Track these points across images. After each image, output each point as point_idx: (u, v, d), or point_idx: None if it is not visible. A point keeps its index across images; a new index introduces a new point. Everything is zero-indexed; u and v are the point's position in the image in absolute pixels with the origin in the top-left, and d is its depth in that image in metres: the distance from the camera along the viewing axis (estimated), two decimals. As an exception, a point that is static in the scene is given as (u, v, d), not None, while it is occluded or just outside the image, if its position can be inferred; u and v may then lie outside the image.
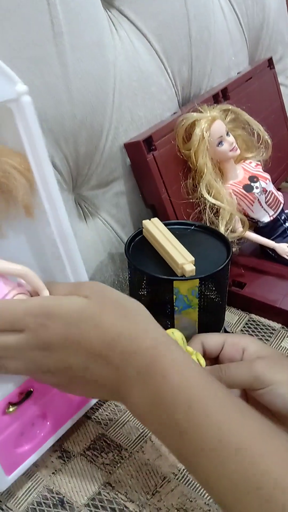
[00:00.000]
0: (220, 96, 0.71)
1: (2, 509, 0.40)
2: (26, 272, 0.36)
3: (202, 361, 0.40)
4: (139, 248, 0.54)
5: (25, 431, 0.40)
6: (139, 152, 0.58)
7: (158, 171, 0.59)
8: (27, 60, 0.47)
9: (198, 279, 0.48)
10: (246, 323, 0.60)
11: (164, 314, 0.51)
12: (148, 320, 0.36)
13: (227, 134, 0.61)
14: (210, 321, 0.54)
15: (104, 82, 0.56)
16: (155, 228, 0.54)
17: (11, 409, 0.38)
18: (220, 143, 0.60)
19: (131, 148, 0.59)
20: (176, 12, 0.66)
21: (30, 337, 0.33)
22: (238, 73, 0.81)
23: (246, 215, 0.63)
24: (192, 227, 0.57)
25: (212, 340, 0.43)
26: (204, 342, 0.43)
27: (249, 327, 0.60)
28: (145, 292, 0.55)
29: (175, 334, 0.42)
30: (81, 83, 0.52)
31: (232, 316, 0.61)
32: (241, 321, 0.61)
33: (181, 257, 0.49)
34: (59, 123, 0.51)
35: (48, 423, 0.43)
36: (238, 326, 0.60)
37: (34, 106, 0.48)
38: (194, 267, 0.48)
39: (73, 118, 0.52)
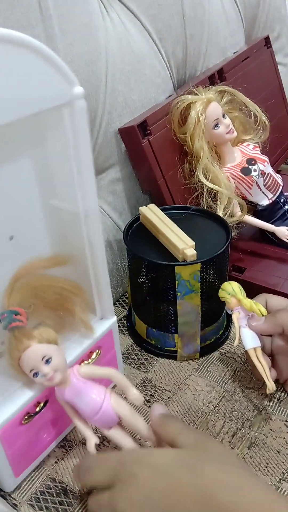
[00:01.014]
0: (216, 77, 0.70)
1: (6, 499, 0.40)
2: (113, 373, 0.40)
3: (263, 310, 0.44)
4: (137, 235, 0.54)
5: (35, 436, 0.41)
6: (134, 138, 0.57)
7: (154, 156, 0.58)
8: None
9: (199, 263, 0.47)
10: (247, 308, 0.60)
11: (167, 300, 0.51)
12: (251, 475, 0.32)
13: (223, 116, 0.60)
14: (212, 306, 0.53)
15: (95, 65, 0.54)
16: (153, 214, 0.53)
17: (27, 420, 0.39)
18: (216, 125, 0.59)
19: (126, 133, 0.58)
20: (168, -10, 0.64)
21: (121, 491, 0.31)
22: (234, 53, 0.79)
23: (245, 199, 0.62)
24: (189, 211, 0.56)
25: (277, 301, 0.47)
26: (268, 301, 0.47)
27: (250, 312, 0.59)
28: (145, 279, 0.55)
29: (232, 284, 0.47)
30: (72, 67, 0.50)
31: (233, 301, 0.61)
32: (242, 305, 0.60)
33: (182, 242, 0.49)
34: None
35: (57, 426, 0.43)
36: (239, 311, 0.59)
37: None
38: (195, 252, 0.48)
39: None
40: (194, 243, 0.48)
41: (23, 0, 0.46)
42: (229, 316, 0.58)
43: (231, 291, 0.47)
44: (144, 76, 0.62)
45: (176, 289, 0.49)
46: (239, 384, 0.50)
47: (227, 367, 0.52)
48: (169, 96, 0.66)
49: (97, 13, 0.55)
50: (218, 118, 0.59)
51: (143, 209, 0.54)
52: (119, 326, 0.60)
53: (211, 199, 0.59)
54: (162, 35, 0.65)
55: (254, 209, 0.64)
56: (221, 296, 0.48)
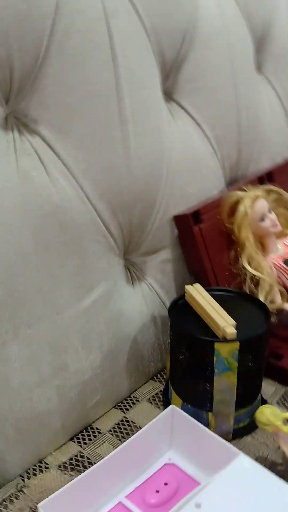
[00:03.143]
0: (265, 178, 0.77)
1: None
2: None
3: None
4: (182, 312, 0.58)
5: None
6: (186, 224, 0.64)
7: (203, 242, 0.64)
8: (97, 142, 0.55)
9: (238, 342, 0.51)
10: (283, 395, 0.61)
11: (204, 377, 0.53)
12: None
13: (269, 211, 0.66)
14: (247, 388, 0.55)
15: (160, 162, 0.63)
16: (197, 293, 0.58)
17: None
18: (262, 219, 0.65)
19: (180, 220, 0.65)
20: (228, 104, 0.74)
21: None
22: (285, 159, 0.88)
23: (286, 288, 0.66)
24: (232, 294, 0.60)
25: None
26: None
27: (285, 400, 0.60)
28: (186, 355, 0.58)
29: (266, 413, 0.46)
30: (140, 163, 0.60)
31: (268, 388, 0.62)
32: (277, 393, 0.61)
33: (223, 320, 0.53)
34: (118, 196, 0.58)
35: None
36: (274, 398, 0.61)
37: (98, 181, 0.56)
38: (235, 330, 0.51)
39: (130, 192, 0.59)
40: (234, 322, 0.52)
41: (107, 106, 0.56)
42: (264, 401, 0.59)
43: (267, 421, 0.48)
44: (201, 174, 0.70)
45: (214, 366, 0.51)
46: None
47: (259, 452, 0.53)
48: (221, 191, 0.74)
49: (165, 120, 0.65)
50: (264, 213, 0.65)
51: (188, 288, 0.59)
52: (154, 399, 0.62)
53: (254, 285, 0.64)
54: (220, 140, 0.74)
55: (294, 299, 0.67)
56: (258, 423, 0.49)
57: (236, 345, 0.50)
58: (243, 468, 0.44)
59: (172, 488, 0.48)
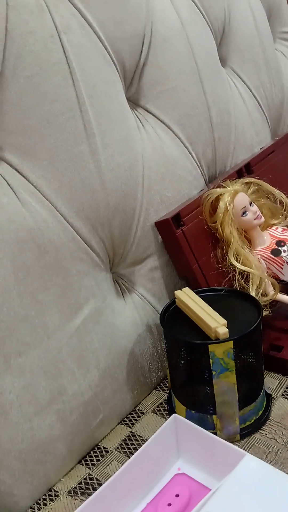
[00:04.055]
0: (244, 171, 0.76)
1: None
2: None
3: None
4: (174, 318, 0.57)
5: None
6: (168, 229, 0.63)
7: (188, 245, 0.64)
8: (65, 160, 0.55)
9: (232, 341, 0.50)
10: (288, 388, 0.60)
11: (203, 380, 0.53)
12: None
13: (251, 204, 0.65)
14: (249, 385, 0.54)
15: (133, 171, 0.62)
16: (187, 297, 0.57)
17: None
18: (244, 213, 0.64)
19: (161, 226, 0.64)
20: (195, 102, 0.74)
21: None
22: (260, 149, 0.87)
23: (277, 278, 0.65)
24: (222, 292, 0.59)
25: None
26: None
27: (291, 391, 0.59)
28: (183, 361, 0.57)
29: None
30: (113, 174, 0.59)
31: (272, 381, 0.61)
32: (281, 385, 0.60)
33: (214, 321, 0.52)
34: (95, 211, 0.57)
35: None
36: (279, 391, 0.60)
37: (72, 199, 0.55)
38: (227, 330, 0.51)
39: (107, 205, 0.59)
40: (226, 321, 0.51)
41: (70, 122, 0.55)
42: (268, 396, 0.58)
43: None
44: (177, 176, 0.69)
45: (211, 368, 0.51)
46: (282, 466, 0.49)
47: (269, 448, 0.52)
48: (201, 191, 0.73)
49: (134, 127, 0.65)
50: (245, 206, 0.65)
51: (178, 293, 0.58)
52: (159, 410, 0.61)
53: (244, 280, 0.63)
54: (192, 140, 0.73)
55: (287, 288, 0.67)
56: None
57: (230, 344, 0.50)
58: (250, 469, 0.43)
59: (184, 499, 0.47)
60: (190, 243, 0.64)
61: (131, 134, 0.63)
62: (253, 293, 0.61)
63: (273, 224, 0.70)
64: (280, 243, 0.66)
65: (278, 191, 0.70)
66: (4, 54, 0.50)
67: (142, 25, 0.65)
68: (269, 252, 0.65)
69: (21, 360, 0.50)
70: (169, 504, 0.47)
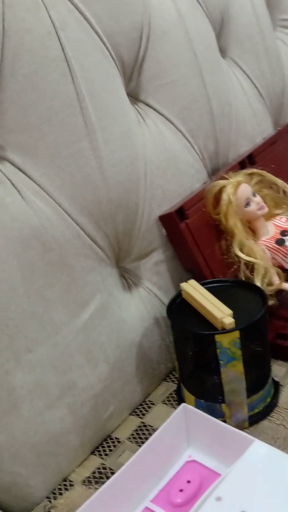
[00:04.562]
0: (247, 162, 0.76)
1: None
2: None
3: None
4: (180, 310, 0.58)
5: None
6: (172, 222, 0.64)
7: (192, 238, 0.64)
8: (67, 157, 0.55)
9: (238, 331, 0.51)
10: (296, 375, 0.61)
11: (211, 370, 0.53)
12: None
13: (254, 195, 0.66)
14: (257, 373, 0.55)
15: (135, 166, 0.63)
16: (193, 289, 0.58)
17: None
18: (247, 204, 0.65)
19: (165, 220, 0.65)
20: (196, 95, 0.74)
21: None
22: (263, 139, 0.87)
23: (282, 268, 0.66)
24: (228, 283, 0.60)
25: None
26: None
27: (299, 379, 0.60)
28: (191, 351, 0.58)
29: None
30: (115, 170, 0.60)
31: (279, 369, 0.62)
32: (290, 373, 0.61)
33: (219, 312, 0.52)
34: (98, 207, 0.58)
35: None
36: (286, 378, 0.60)
37: (75, 196, 0.56)
38: (233, 320, 0.51)
39: (109, 201, 0.59)
40: (231, 311, 0.52)
41: (70, 119, 0.55)
42: (276, 383, 0.59)
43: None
44: (180, 170, 0.70)
45: (218, 358, 0.51)
46: (289, 452, 0.50)
47: (278, 434, 0.52)
48: (204, 183, 0.73)
49: (134, 122, 0.65)
50: (248, 197, 0.65)
51: (183, 285, 0.59)
52: (169, 400, 0.62)
53: (249, 271, 0.63)
54: (194, 133, 0.73)
55: (293, 277, 0.67)
56: None
57: (236, 333, 0.50)
58: (258, 454, 0.44)
59: (195, 485, 0.48)
60: (194, 235, 0.64)
61: (132, 129, 0.64)
62: (258, 283, 0.61)
63: (277, 214, 0.70)
64: (284, 232, 0.66)
65: (281, 181, 0.70)
66: (2, 53, 0.50)
67: (139, 18, 0.65)
68: (274, 242, 0.66)
69: (30, 356, 0.51)
70: (181, 490, 0.48)
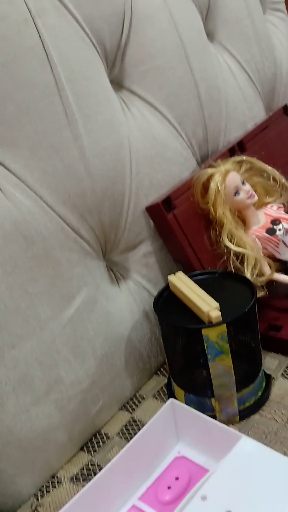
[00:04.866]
0: (236, 149, 0.75)
1: None
2: None
3: None
4: (168, 303, 0.57)
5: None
6: (159, 213, 0.62)
7: (180, 228, 0.62)
8: (47, 148, 0.54)
9: (225, 324, 0.49)
10: (287, 367, 0.59)
11: (199, 364, 0.52)
12: None
13: (243, 183, 0.64)
14: (247, 366, 0.54)
15: (120, 155, 0.61)
16: (180, 281, 0.56)
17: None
18: (236, 192, 0.63)
19: (152, 210, 0.63)
20: (182, 80, 0.72)
21: None
22: (254, 124, 0.85)
23: (273, 258, 0.64)
24: (216, 275, 0.58)
25: None
26: None
27: (291, 371, 0.59)
28: (178, 345, 0.57)
29: None
30: (98, 160, 0.58)
31: (272, 361, 0.60)
32: (281, 365, 0.60)
33: (206, 305, 0.51)
34: (82, 199, 0.56)
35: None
36: (279, 371, 0.59)
37: (57, 188, 0.54)
38: (219, 313, 0.50)
39: (94, 192, 0.58)
40: (218, 304, 0.50)
41: (50, 108, 0.54)
42: (268, 376, 0.58)
43: None
44: (167, 158, 0.68)
45: (206, 352, 0.50)
46: (281, 446, 0.49)
47: (268, 428, 0.52)
48: (193, 172, 0.72)
49: (118, 110, 0.63)
50: (237, 186, 0.63)
51: (171, 278, 0.57)
52: (160, 395, 0.61)
53: (239, 261, 0.62)
54: (181, 119, 0.71)
55: (284, 267, 0.65)
56: None
57: (223, 327, 0.49)
58: (246, 451, 0.43)
59: (184, 482, 0.47)
60: (182, 226, 0.63)
61: (116, 117, 0.62)
62: (248, 274, 0.60)
63: (268, 203, 0.68)
64: (275, 221, 0.65)
65: (271, 168, 0.69)
66: (-23, 42, 0.48)
67: (121, 2, 0.63)
68: (264, 231, 0.64)
69: (14, 352, 0.50)
70: (169, 487, 0.47)
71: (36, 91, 0.52)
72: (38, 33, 0.53)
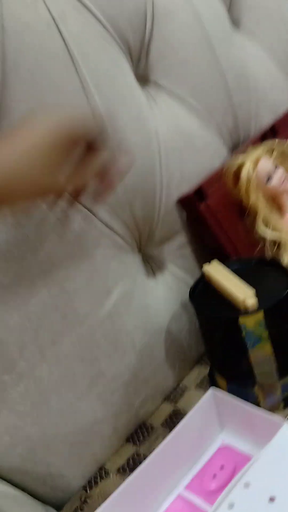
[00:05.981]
0: (269, 134, 0.73)
1: None
2: None
3: None
4: (204, 293, 0.57)
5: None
6: (192, 204, 0.62)
7: (214, 218, 0.62)
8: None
9: (262, 311, 0.49)
10: None
11: (238, 353, 0.52)
12: None
13: (276, 168, 0.63)
14: (287, 353, 0.53)
15: (149, 149, 0.62)
16: (215, 271, 0.56)
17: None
18: (268, 179, 0.62)
19: (184, 202, 0.63)
20: (208, 70, 0.71)
21: None
22: (286, 109, 0.83)
23: (311, 243, 0.62)
24: (252, 262, 0.58)
25: None
26: None
27: None
28: (217, 335, 0.56)
29: None
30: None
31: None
32: None
33: (242, 293, 0.51)
34: (114, 195, 0.57)
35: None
36: None
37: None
38: (255, 300, 0.49)
39: (125, 187, 0.58)
40: (254, 292, 0.50)
41: (78, 112, 0.55)
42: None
43: None
44: (197, 149, 0.68)
45: (245, 340, 0.50)
46: None
47: (314, 416, 0.50)
48: (224, 160, 0.71)
49: (145, 105, 0.63)
50: (269, 172, 0.62)
51: (206, 267, 0.57)
52: (203, 384, 0.61)
53: (277, 247, 0.61)
54: (210, 109, 0.71)
55: None
56: None
57: (260, 314, 0.48)
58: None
59: (229, 470, 0.47)
60: (216, 215, 0.62)
61: (143, 113, 0.62)
62: (286, 260, 0.58)
63: (304, 186, 0.66)
64: (311, 204, 0.63)
65: (304, 150, 0.67)
66: (4, 51, 0.50)
67: (141, -1, 0.64)
68: (301, 215, 0.63)
69: (55, 348, 0.51)
70: (215, 476, 0.47)
71: (63, 94, 0.54)
72: (62, 37, 0.54)
